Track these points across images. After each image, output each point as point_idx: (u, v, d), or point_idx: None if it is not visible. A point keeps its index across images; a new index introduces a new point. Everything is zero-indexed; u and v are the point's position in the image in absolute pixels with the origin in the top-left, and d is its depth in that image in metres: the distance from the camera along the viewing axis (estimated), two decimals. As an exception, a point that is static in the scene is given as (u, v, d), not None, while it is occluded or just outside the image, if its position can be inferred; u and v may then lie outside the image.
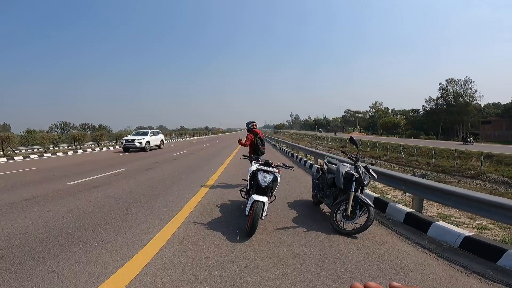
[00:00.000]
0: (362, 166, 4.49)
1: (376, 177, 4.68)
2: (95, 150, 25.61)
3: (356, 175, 4.29)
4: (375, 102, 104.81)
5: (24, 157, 18.64)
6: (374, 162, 6.26)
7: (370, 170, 4.48)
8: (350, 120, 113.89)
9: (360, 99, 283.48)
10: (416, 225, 4.30)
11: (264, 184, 4.23)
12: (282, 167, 4.75)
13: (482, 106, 71.22)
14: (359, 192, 4.33)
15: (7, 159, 17.49)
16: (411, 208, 4.86)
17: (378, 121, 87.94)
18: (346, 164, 4.68)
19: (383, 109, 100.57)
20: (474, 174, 21.48)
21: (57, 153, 21.78)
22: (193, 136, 66.35)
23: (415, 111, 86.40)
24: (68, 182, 8.70)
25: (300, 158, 14.24)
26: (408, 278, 2.75)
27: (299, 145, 18.14)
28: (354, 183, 4.24)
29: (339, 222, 4.22)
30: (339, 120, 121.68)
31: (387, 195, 6.60)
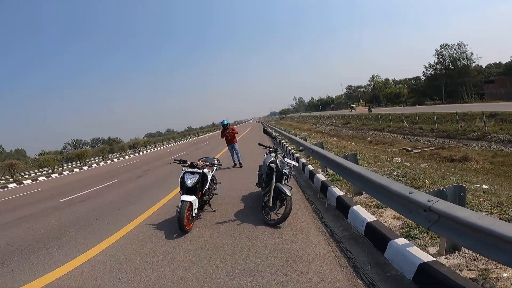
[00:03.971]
0: (280, 155, 4.67)
1: (297, 164, 4.83)
2: (99, 164, 26.63)
3: (273, 166, 4.44)
4: (372, 75, 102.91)
5: (32, 180, 19.74)
6: (301, 148, 6.54)
7: (286, 159, 4.66)
8: (353, 95, 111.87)
9: (360, 73, 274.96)
10: (342, 210, 4.21)
11: (190, 185, 4.54)
12: (209, 165, 5.10)
13: (484, 67, 70.02)
14: (283, 182, 4.47)
15: (17, 184, 18.62)
16: (352, 191, 4.79)
17: (380, 93, 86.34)
18: (273, 155, 4.76)
19: (382, 80, 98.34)
20: (479, 136, 20.84)
21: (64, 172, 22.79)
22: (198, 136, 67.17)
23: (417, 78, 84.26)
24: (61, 200, 9.41)
25: (287, 147, 14.34)
26: (291, 271, 2.86)
27: (285, 133, 18.30)
28: (275, 173, 4.39)
29: (267, 213, 4.36)
30: (342, 97, 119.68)
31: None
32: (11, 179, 21.61)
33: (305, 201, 5.29)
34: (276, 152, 4.77)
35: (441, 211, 2.15)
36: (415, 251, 2.50)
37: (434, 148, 20.06)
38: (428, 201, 2.31)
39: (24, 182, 19.30)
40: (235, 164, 10.07)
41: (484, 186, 5.71)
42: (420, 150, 19.18)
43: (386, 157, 11.24)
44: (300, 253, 3.24)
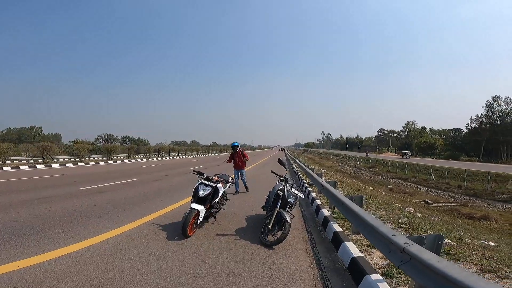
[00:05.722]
0: (289, 185, 5.03)
1: (302, 196, 5.14)
2: (124, 161, 28.03)
3: (280, 193, 4.82)
4: (408, 121, 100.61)
5: (60, 165, 21.16)
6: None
7: (293, 189, 5.00)
8: (384, 139, 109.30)
9: (395, 118, 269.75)
10: (335, 244, 4.40)
11: (201, 195, 4.97)
12: (222, 181, 5.56)
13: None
14: (287, 209, 4.80)
15: (45, 166, 20.07)
16: (352, 229, 4.91)
17: (414, 141, 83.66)
18: (283, 183, 5.16)
19: (418, 128, 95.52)
20: (507, 198, 20.46)
21: (90, 163, 24.25)
22: (220, 152, 68.52)
23: (457, 130, 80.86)
24: (82, 188, 10.07)
25: (302, 180, 14.40)
26: (270, 287, 3.12)
27: (303, 166, 18.50)
28: (280, 200, 4.77)
29: (265, 235, 4.65)
30: (372, 139, 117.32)
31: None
32: (40, 160, 23.30)
33: (304, 231, 5.46)
34: (286, 181, 5.13)
35: (411, 253, 2.32)
36: (384, 286, 2.65)
37: (455, 204, 19.50)
38: (404, 243, 2.49)
39: (52, 165, 20.72)
40: (237, 191, 9.42)
41: (490, 243, 5.62)
42: (440, 204, 18.65)
43: (399, 205, 11.05)
44: (284, 273, 3.44)
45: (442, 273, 1.88)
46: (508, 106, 59.15)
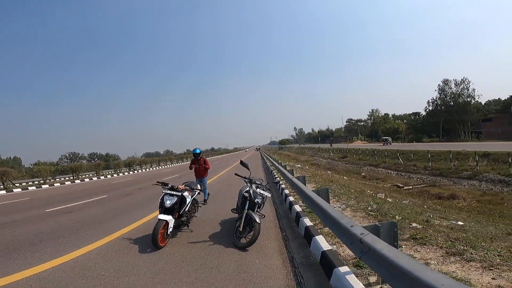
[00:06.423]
0: (254, 186, 5.06)
1: (269, 195, 5.22)
2: (92, 179, 26.66)
3: (246, 195, 4.85)
4: (372, 109, 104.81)
5: (22, 189, 19.77)
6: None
7: (258, 190, 5.04)
8: (353, 129, 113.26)
9: (363, 107, 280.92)
10: (308, 239, 4.44)
11: (167, 206, 4.87)
12: (189, 189, 5.51)
13: (483, 103, 69.81)
14: (256, 210, 4.85)
15: (6, 192, 18.63)
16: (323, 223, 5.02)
17: (379, 128, 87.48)
18: (248, 185, 5.17)
19: (382, 115, 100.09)
20: (471, 175, 21.43)
21: (55, 184, 22.83)
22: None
23: (416, 114, 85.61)
24: (47, 209, 9.53)
25: (275, 177, 14.56)
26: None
27: (276, 164, 18.78)
28: (248, 202, 4.79)
29: (238, 238, 4.67)
30: (342, 130, 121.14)
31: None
32: (1, 186, 21.66)
33: (277, 229, 5.54)
34: (251, 182, 5.14)
35: (367, 243, 2.43)
36: (351, 278, 2.75)
37: (424, 185, 20.46)
38: (361, 234, 2.60)
39: (14, 190, 19.33)
40: (205, 200, 8.80)
41: (459, 222, 5.92)
42: (411, 187, 19.53)
43: (371, 192, 11.51)
44: (258, 274, 3.49)
45: (392, 263, 1.99)
46: (458, 87, 63.79)
